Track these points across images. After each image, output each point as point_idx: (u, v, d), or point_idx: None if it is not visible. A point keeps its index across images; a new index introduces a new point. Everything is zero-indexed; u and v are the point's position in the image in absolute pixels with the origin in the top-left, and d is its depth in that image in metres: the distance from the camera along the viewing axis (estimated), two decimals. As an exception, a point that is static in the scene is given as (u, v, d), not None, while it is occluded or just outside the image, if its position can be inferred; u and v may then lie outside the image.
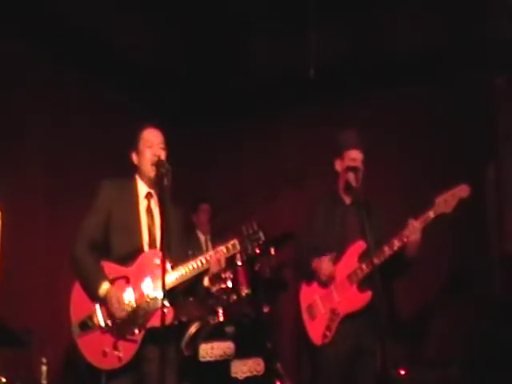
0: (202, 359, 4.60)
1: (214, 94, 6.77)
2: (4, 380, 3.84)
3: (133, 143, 3.54)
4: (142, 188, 3.51)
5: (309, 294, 3.98)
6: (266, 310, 5.33)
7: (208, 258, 3.43)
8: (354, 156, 4.03)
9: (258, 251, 3.56)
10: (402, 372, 5.10)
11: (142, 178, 3.52)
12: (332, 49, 5.91)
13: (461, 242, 5.63)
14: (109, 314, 3.25)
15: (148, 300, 3.29)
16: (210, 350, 4.62)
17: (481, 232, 5.63)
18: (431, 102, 6.09)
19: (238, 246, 3.48)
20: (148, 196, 3.50)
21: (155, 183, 3.46)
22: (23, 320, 4.43)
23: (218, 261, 3.42)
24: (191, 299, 4.83)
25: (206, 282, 3.55)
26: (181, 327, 4.73)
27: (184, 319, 4.80)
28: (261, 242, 3.51)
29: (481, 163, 5.76)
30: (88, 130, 5.87)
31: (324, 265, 3.89)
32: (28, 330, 4.22)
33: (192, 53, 6.24)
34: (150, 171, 3.43)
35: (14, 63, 5.13)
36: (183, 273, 3.36)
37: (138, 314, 3.27)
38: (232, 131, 7.02)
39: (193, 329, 4.76)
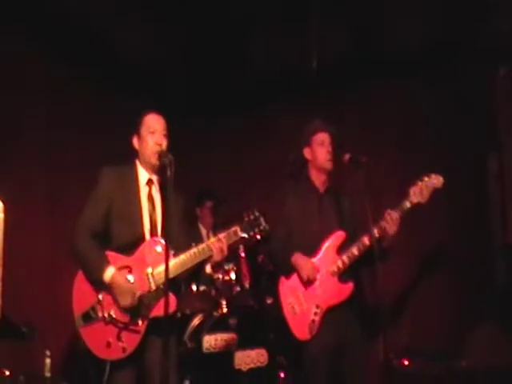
0: (205, 351, 4.60)
1: (214, 88, 6.75)
2: (8, 373, 3.84)
3: (134, 127, 3.53)
4: (143, 175, 3.50)
5: (289, 289, 3.95)
6: (269, 301, 5.32)
7: (210, 244, 3.41)
8: (322, 138, 4.05)
9: (258, 237, 3.56)
10: (406, 362, 5.09)
11: (142, 164, 3.51)
12: (332, 41, 5.89)
13: (463, 233, 5.62)
14: (113, 300, 3.24)
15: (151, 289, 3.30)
16: (213, 342, 4.62)
17: (483, 223, 5.61)
18: (432, 93, 6.06)
19: (240, 233, 3.48)
20: (149, 183, 3.49)
21: (158, 173, 3.45)
22: (26, 313, 4.42)
23: (221, 249, 3.41)
24: (194, 292, 4.86)
25: (207, 269, 3.61)
26: (184, 319, 4.74)
27: (187, 311, 4.81)
28: (262, 228, 3.51)
29: (483, 155, 5.74)
30: (88, 128, 5.86)
31: (305, 266, 3.86)
32: (29, 323, 4.22)
33: (192, 48, 6.21)
34: (152, 158, 3.43)
35: (12, 61, 5.10)
36: (185, 261, 3.35)
37: (141, 304, 3.27)
38: (232, 125, 7.00)
39: (196, 321, 4.76)
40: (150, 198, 3.47)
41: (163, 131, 3.49)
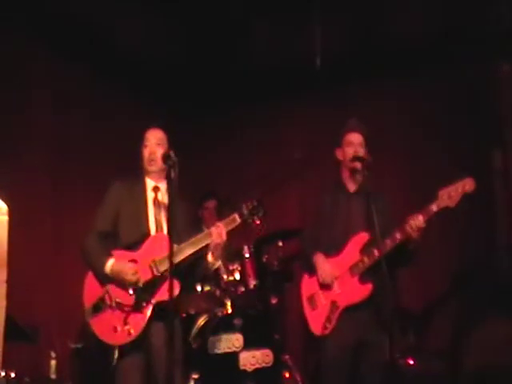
0: (210, 351, 4.60)
1: (215, 85, 6.75)
2: (13, 375, 3.86)
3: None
4: (150, 182, 3.74)
5: (310, 284, 3.99)
6: (273, 301, 5.32)
7: (209, 230, 3.61)
8: (352, 139, 4.02)
9: (258, 222, 3.70)
10: (411, 362, 5.08)
11: (147, 174, 3.75)
12: (334, 36, 5.88)
13: (468, 231, 5.61)
14: (119, 287, 3.45)
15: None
16: (218, 343, 4.62)
17: (489, 220, 5.60)
18: (434, 91, 6.05)
19: (238, 219, 3.65)
20: (155, 189, 3.71)
21: (163, 176, 3.64)
22: (31, 315, 4.44)
23: (219, 233, 3.58)
24: (199, 292, 4.85)
25: (209, 257, 3.67)
26: (189, 320, 4.74)
27: (192, 312, 4.81)
28: (261, 215, 3.67)
29: (487, 152, 5.72)
30: (89, 125, 5.87)
31: (322, 270, 3.89)
32: (33, 325, 4.24)
33: (193, 46, 6.21)
34: (148, 166, 3.70)
35: (15, 60, 5.11)
36: (186, 246, 3.53)
37: (146, 289, 3.46)
38: (234, 122, 7.01)
39: (201, 321, 4.75)
40: (156, 202, 3.69)
41: (157, 141, 3.73)
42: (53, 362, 4.37)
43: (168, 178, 3.46)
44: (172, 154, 3.48)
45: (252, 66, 6.51)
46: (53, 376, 4.35)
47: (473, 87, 5.81)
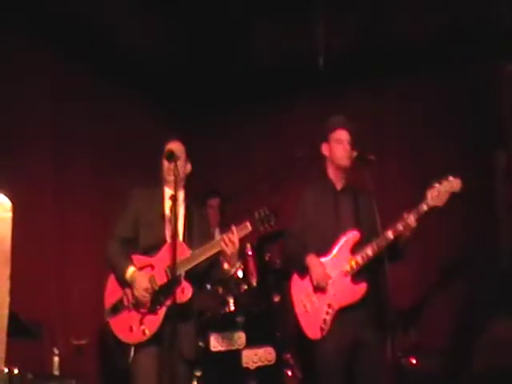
0: (213, 349, 4.60)
1: (215, 85, 6.76)
2: (16, 371, 3.85)
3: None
4: (167, 191, 3.86)
5: (302, 287, 3.90)
6: (276, 299, 5.31)
7: (221, 237, 3.65)
8: (340, 136, 3.98)
9: (269, 230, 3.68)
10: (413, 361, 5.08)
11: (166, 184, 3.85)
12: (335, 36, 5.89)
13: (469, 231, 5.61)
14: (132, 295, 3.62)
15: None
16: (221, 340, 4.62)
17: (492, 219, 5.60)
18: (435, 89, 6.07)
19: (250, 227, 3.64)
20: (172, 197, 3.74)
21: (182, 185, 3.83)
22: (34, 312, 4.42)
23: (231, 241, 3.59)
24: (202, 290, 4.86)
25: (225, 265, 3.75)
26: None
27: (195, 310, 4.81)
28: (272, 223, 3.64)
29: (487, 152, 5.73)
30: (89, 125, 5.87)
31: (317, 272, 3.81)
32: (36, 321, 4.24)
33: (194, 45, 6.21)
34: (167, 177, 3.79)
35: (14, 60, 5.10)
36: (198, 253, 3.61)
37: (161, 293, 3.59)
38: (234, 122, 7.01)
39: (204, 319, 4.75)
40: (173, 210, 3.72)
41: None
42: (56, 359, 4.38)
43: (175, 176, 3.59)
44: (175, 152, 3.66)
45: (252, 66, 6.51)
46: (56, 373, 4.36)
47: (473, 87, 5.82)
